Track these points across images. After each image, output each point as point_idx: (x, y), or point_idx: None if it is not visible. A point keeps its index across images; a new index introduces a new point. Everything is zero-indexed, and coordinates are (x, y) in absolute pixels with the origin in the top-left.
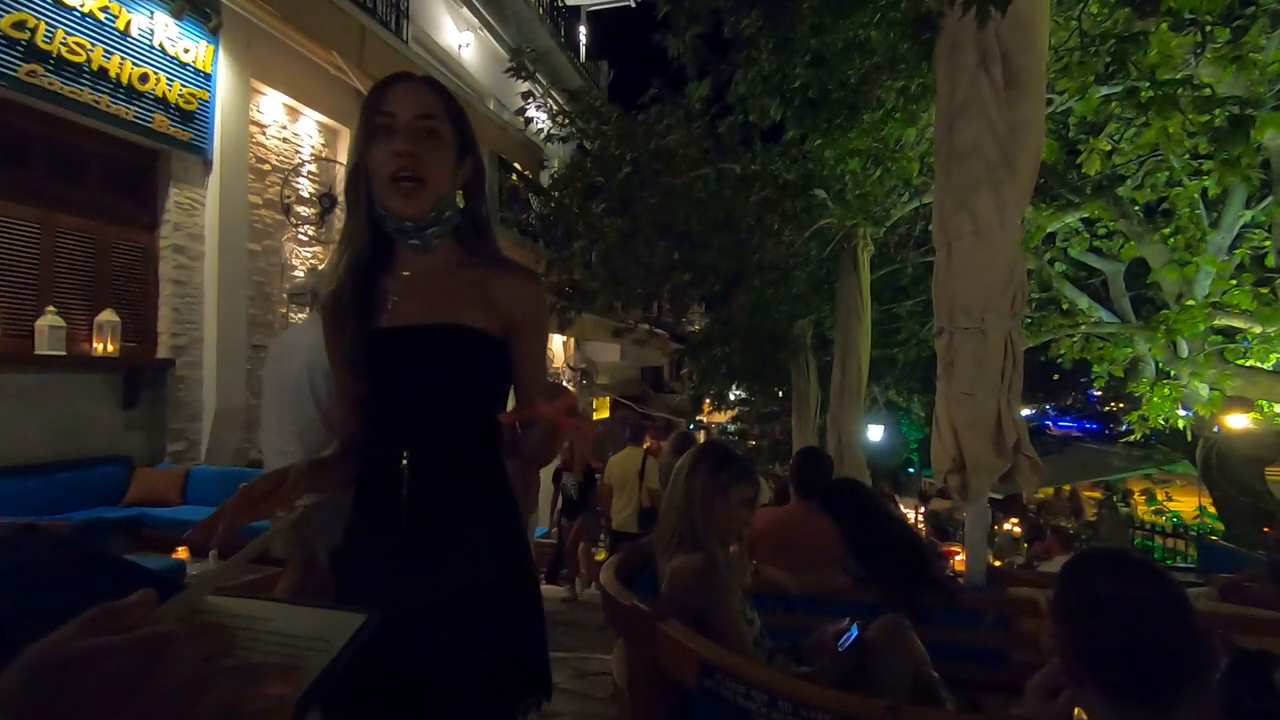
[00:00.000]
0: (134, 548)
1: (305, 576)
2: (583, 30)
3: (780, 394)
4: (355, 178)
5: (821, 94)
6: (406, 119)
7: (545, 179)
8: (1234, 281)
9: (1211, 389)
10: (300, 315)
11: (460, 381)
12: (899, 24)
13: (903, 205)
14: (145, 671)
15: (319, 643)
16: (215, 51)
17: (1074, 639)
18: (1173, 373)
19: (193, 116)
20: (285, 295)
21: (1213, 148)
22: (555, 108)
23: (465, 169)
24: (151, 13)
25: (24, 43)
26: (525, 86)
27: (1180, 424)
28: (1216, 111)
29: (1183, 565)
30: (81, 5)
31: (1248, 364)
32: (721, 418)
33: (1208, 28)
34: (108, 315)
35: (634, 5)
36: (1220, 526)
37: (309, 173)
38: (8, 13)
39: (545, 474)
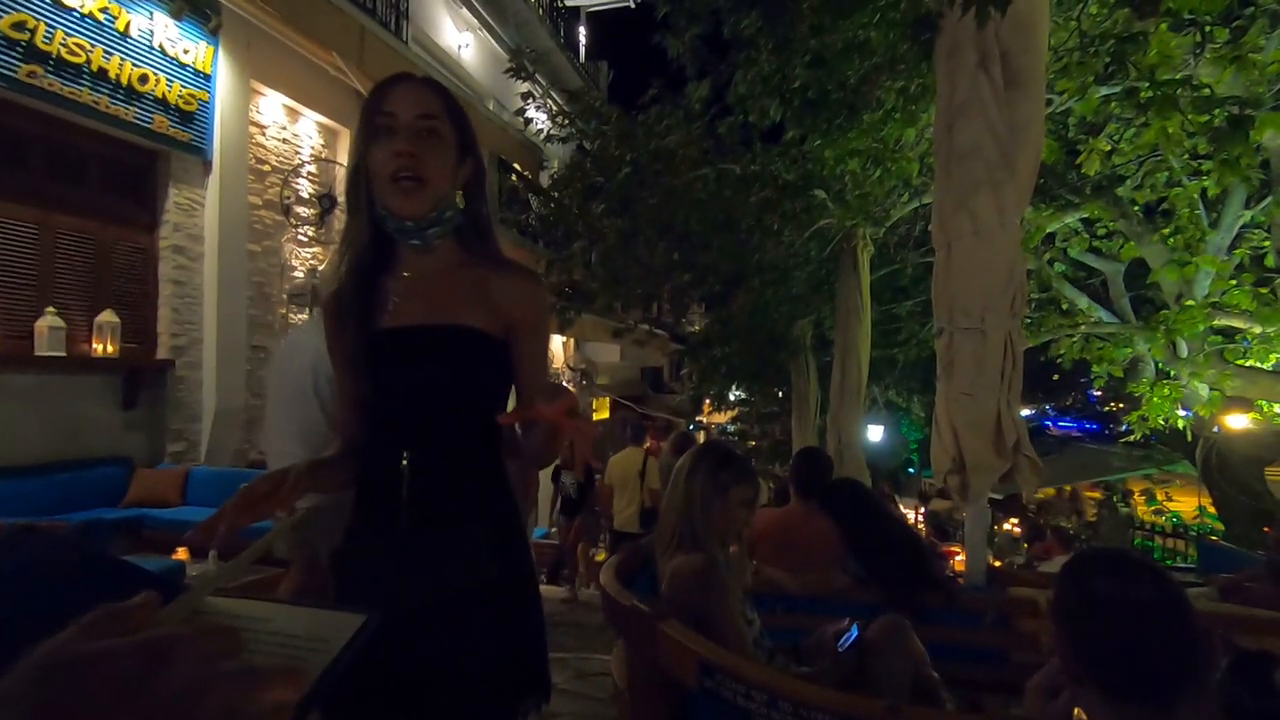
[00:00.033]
0: (134, 548)
1: (307, 577)
2: (582, 31)
3: (780, 394)
4: (356, 178)
5: (821, 94)
6: (407, 119)
7: (545, 179)
8: (1233, 281)
9: (1211, 389)
10: (300, 316)
11: (461, 382)
12: (899, 24)
13: (902, 205)
14: (150, 674)
15: (319, 643)
16: (215, 52)
17: (1074, 639)
18: (1172, 373)
19: (192, 117)
20: (285, 296)
21: (1212, 148)
22: (555, 108)
23: (466, 169)
24: (151, 13)
25: (24, 43)
26: (525, 87)
27: (1180, 424)
28: (1216, 112)
29: (1183, 565)
30: (81, 6)
31: (1247, 364)
32: (721, 418)
33: (1207, 28)
34: (107, 316)
35: (634, 6)
36: (1220, 526)
37: (309, 173)
38: (7, 13)
39: (545, 473)
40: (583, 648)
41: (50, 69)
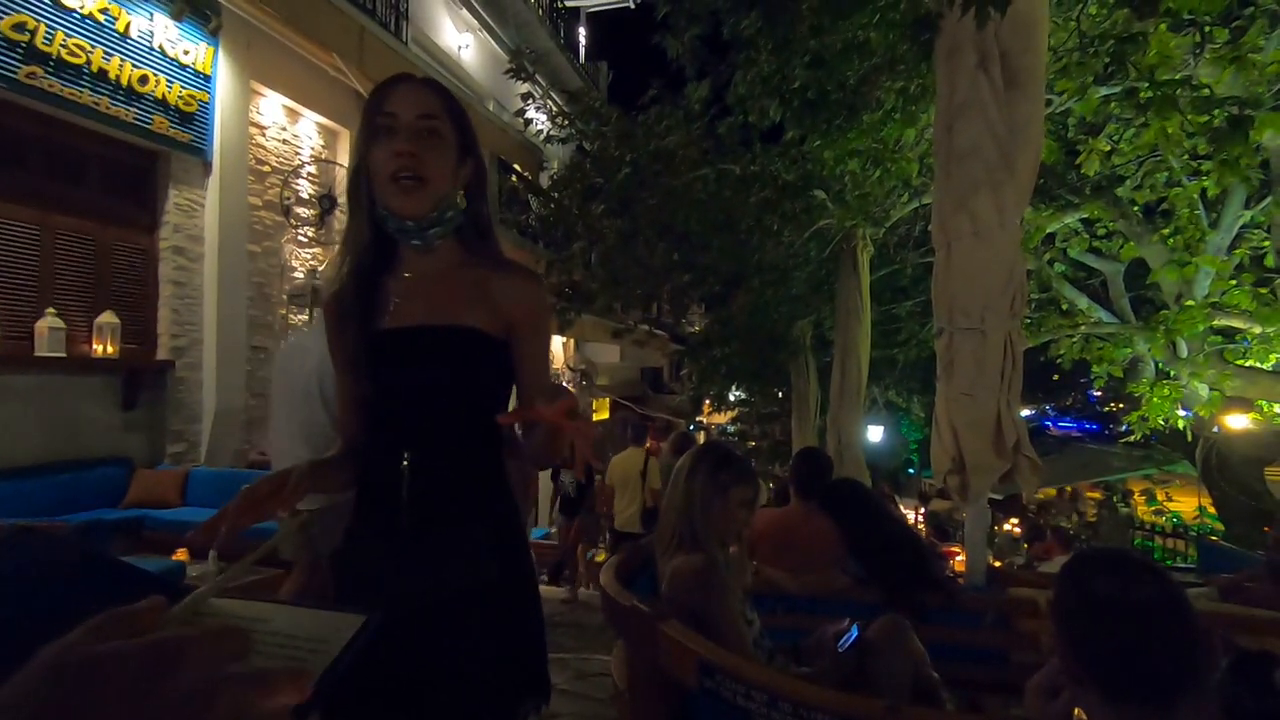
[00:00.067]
0: (134, 549)
1: (310, 578)
2: (582, 31)
3: (780, 395)
4: (357, 179)
5: (821, 95)
6: (408, 119)
7: (545, 180)
8: (1233, 282)
9: (1211, 389)
10: (300, 316)
11: (461, 382)
12: (898, 25)
13: (902, 206)
14: (159, 676)
15: (319, 644)
16: (215, 53)
17: (1074, 639)
18: (1172, 373)
19: (192, 118)
20: (285, 296)
21: (1212, 148)
22: (555, 109)
23: (467, 169)
24: (151, 14)
25: (24, 45)
26: (525, 88)
27: (1180, 424)
28: (1215, 112)
29: (1183, 565)
30: (81, 7)
31: (1247, 364)
32: (721, 418)
33: (1206, 28)
34: (107, 317)
35: (633, 6)
36: (1220, 526)
37: (309, 174)
38: (7, 14)
39: (544, 473)
40: (583, 648)
41: (50, 70)
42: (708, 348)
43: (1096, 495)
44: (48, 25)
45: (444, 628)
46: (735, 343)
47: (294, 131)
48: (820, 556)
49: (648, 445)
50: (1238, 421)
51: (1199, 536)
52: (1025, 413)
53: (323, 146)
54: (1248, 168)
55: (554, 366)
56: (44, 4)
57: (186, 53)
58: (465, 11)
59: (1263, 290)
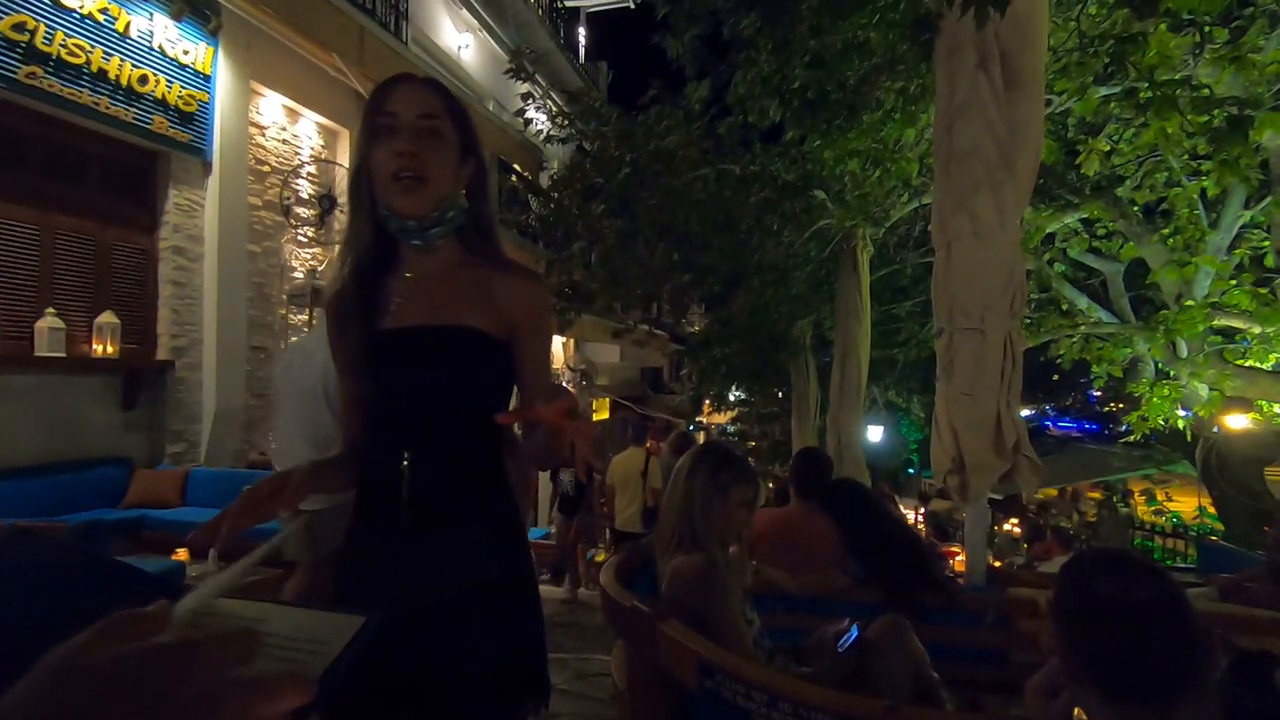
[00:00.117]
0: (134, 549)
1: (313, 578)
2: (582, 31)
3: (780, 395)
4: (358, 179)
5: (821, 95)
6: (409, 119)
7: (545, 180)
8: (1233, 282)
9: (1211, 389)
10: (300, 316)
11: (462, 383)
12: (898, 25)
13: (902, 206)
14: (168, 681)
15: (318, 646)
16: (215, 53)
17: (1074, 639)
18: (1172, 373)
19: (192, 118)
20: (285, 296)
21: (1211, 148)
22: (555, 109)
23: (468, 169)
24: (151, 14)
25: (24, 45)
26: (525, 88)
27: (1180, 424)
28: (1215, 112)
29: (1183, 565)
30: (81, 7)
31: (1247, 364)
32: (721, 418)
33: (1206, 28)
34: (107, 317)
35: (633, 6)
36: (1220, 526)
37: (308, 174)
38: (7, 14)
39: (544, 472)
40: (583, 648)
41: (50, 70)
42: (708, 348)
43: (1097, 495)
44: (47, 25)
45: (444, 628)
46: (735, 343)
47: (294, 131)
48: (820, 556)
49: (648, 445)
50: (1238, 421)
51: (1199, 536)
52: (1025, 413)
53: (323, 146)
54: (1247, 168)
55: (554, 366)
56: (44, 4)
57: (186, 53)
58: (465, 11)
59: (1262, 290)
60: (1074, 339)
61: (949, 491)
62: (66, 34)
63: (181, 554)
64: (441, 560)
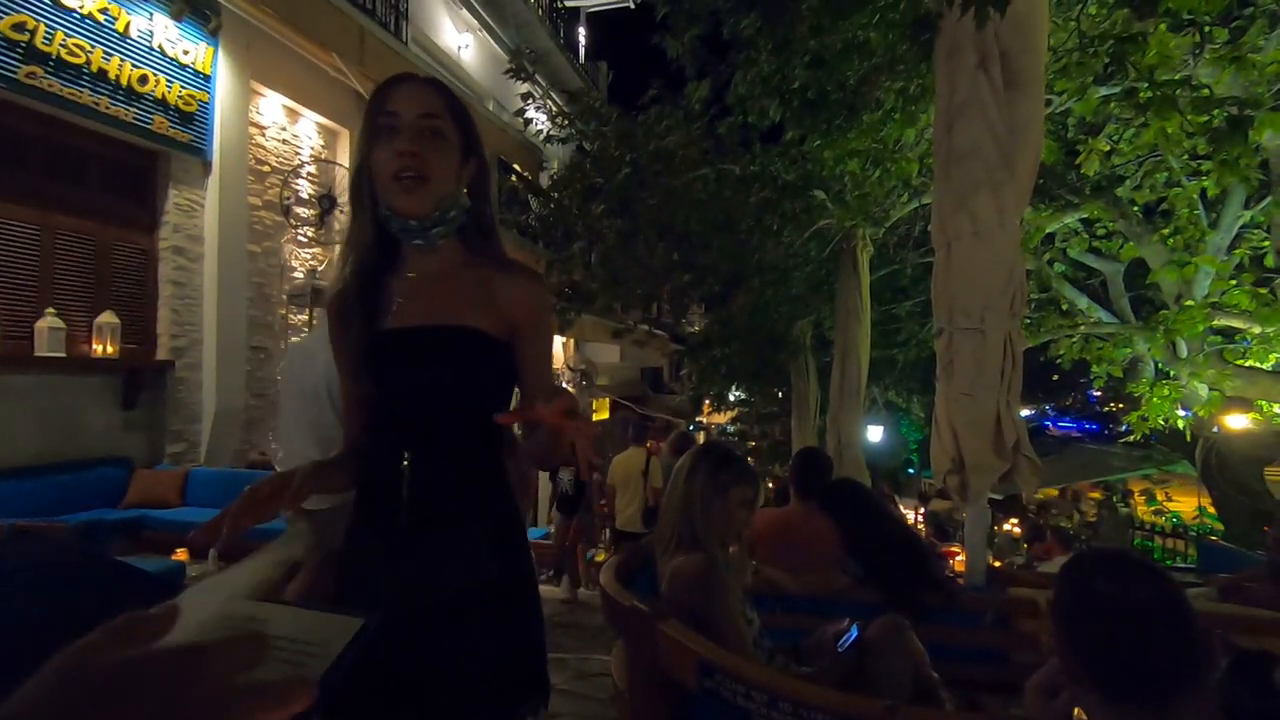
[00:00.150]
0: (134, 549)
1: (318, 578)
2: (582, 31)
3: (780, 395)
4: (359, 179)
5: (821, 95)
6: (410, 119)
7: (545, 180)
8: (1233, 282)
9: (1211, 389)
10: (300, 316)
11: (462, 383)
12: (898, 25)
13: (902, 206)
14: (179, 685)
15: (318, 647)
16: (215, 53)
17: (1073, 639)
18: (1172, 373)
19: (192, 118)
20: (285, 296)
21: (1211, 148)
22: (554, 109)
23: (469, 169)
24: (151, 14)
25: (23, 44)
26: (525, 88)
27: (1180, 424)
28: (1215, 112)
29: (1183, 565)
30: (81, 7)
31: (1247, 364)
32: (721, 418)
33: (1206, 28)
34: (107, 317)
35: (633, 6)
36: (1220, 526)
37: (308, 174)
38: (7, 14)
39: (544, 472)
40: (583, 648)
41: (50, 70)
42: (708, 348)
43: (1097, 495)
44: (47, 25)
45: (444, 628)
46: (735, 343)
47: (294, 131)
48: (820, 556)
49: (648, 445)
50: (1237, 421)
51: (1199, 536)
52: (1025, 413)
53: (323, 146)
54: (1247, 168)
55: (554, 367)
56: (44, 4)
57: (186, 53)
58: (465, 11)
59: (1262, 290)
60: (1074, 339)
61: (949, 491)
62: (66, 34)
63: (181, 554)
64: (441, 560)
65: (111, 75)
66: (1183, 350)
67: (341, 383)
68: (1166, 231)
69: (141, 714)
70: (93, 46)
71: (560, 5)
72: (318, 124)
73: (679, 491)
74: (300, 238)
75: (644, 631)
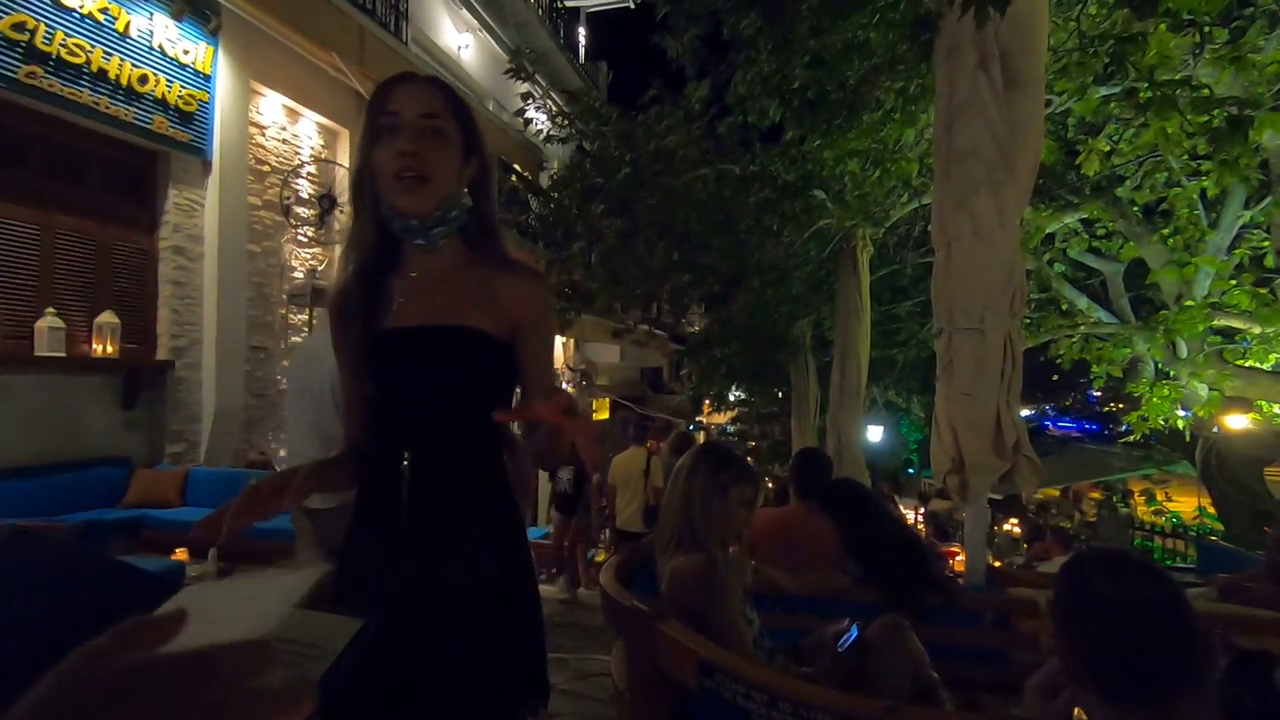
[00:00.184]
0: (133, 549)
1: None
2: (582, 31)
3: (780, 395)
4: (361, 179)
5: (821, 95)
6: (411, 118)
7: (545, 180)
8: (1233, 282)
9: (1210, 389)
10: (300, 316)
11: (463, 383)
12: (898, 25)
13: (902, 206)
14: (187, 691)
15: (317, 649)
16: (215, 53)
17: (1073, 639)
18: (1172, 373)
19: (192, 118)
20: (285, 296)
21: (1211, 148)
22: (554, 109)
23: (471, 168)
24: (151, 14)
25: (23, 44)
26: (524, 88)
27: (1179, 424)
28: (1215, 112)
29: (1182, 565)
30: (81, 6)
31: (1247, 364)
32: (721, 418)
33: (1206, 28)
34: (107, 317)
35: (633, 6)
36: (1219, 527)
37: (308, 174)
38: (7, 14)
39: (545, 470)
40: (583, 648)
41: (50, 69)
42: (708, 348)
43: (1097, 495)
44: (47, 25)
45: (443, 628)
46: (735, 343)
47: (294, 131)
48: (820, 556)
49: (648, 445)
50: (1237, 421)
51: (1198, 536)
52: (1025, 413)
53: (322, 146)
54: (1247, 168)
55: (554, 367)
56: (44, 3)
57: (186, 52)
58: (465, 11)
59: (1262, 290)
60: (1074, 339)
61: (949, 491)
62: (66, 33)
63: (181, 554)
64: (441, 560)
65: (111, 75)
66: (1183, 350)
67: (342, 382)
68: (1166, 231)
69: (148, 718)
70: (93, 46)
71: (560, 5)
72: (318, 124)
73: (679, 491)
74: (300, 237)
75: (644, 631)
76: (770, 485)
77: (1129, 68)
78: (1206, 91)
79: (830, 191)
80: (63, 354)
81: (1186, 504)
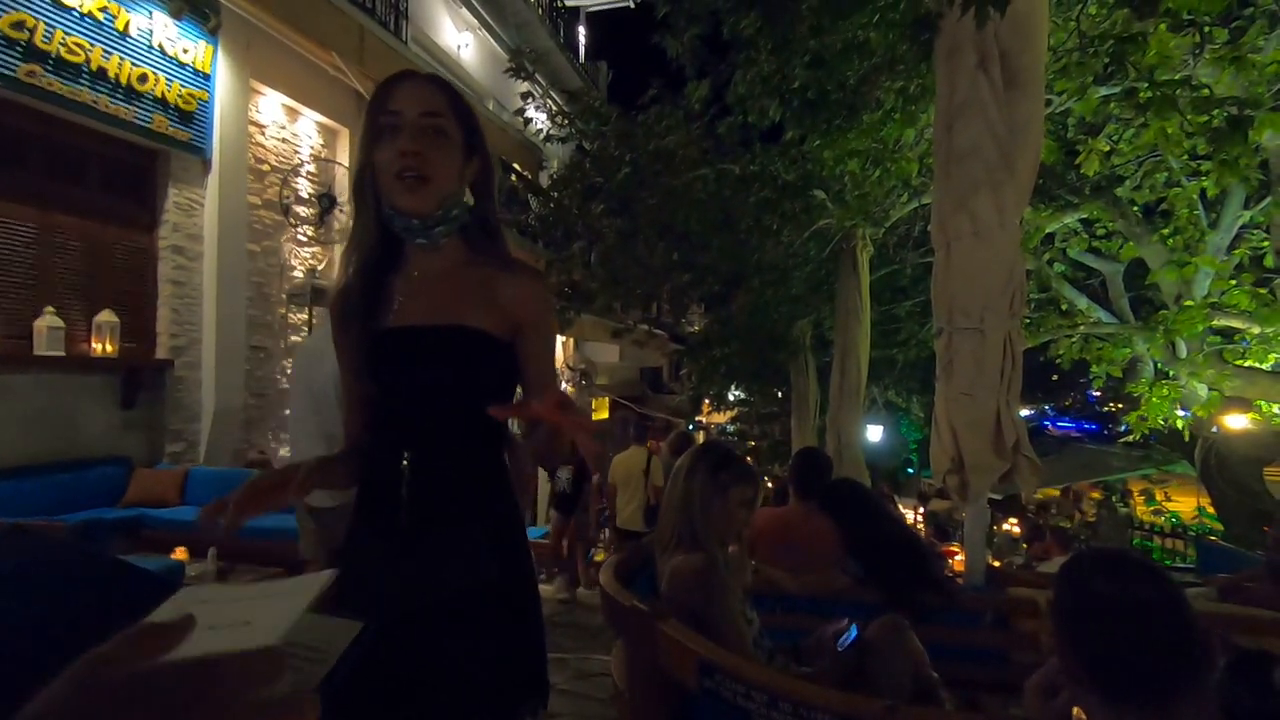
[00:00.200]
0: (133, 548)
1: None
2: (582, 31)
3: (780, 394)
4: (362, 178)
5: (820, 95)
6: (412, 117)
7: (544, 180)
8: (1233, 282)
9: (1210, 389)
10: (299, 315)
11: (463, 382)
12: (898, 25)
13: (902, 206)
14: (194, 699)
15: (315, 652)
16: (214, 52)
17: (1073, 639)
18: (1171, 373)
19: (192, 117)
20: (284, 296)
21: (1211, 148)
22: (554, 108)
23: (472, 168)
24: (150, 13)
25: (23, 43)
26: (524, 87)
27: (1179, 424)
28: (1215, 112)
29: (1182, 565)
30: (80, 5)
31: (1246, 364)
32: (721, 418)
33: (1206, 28)
34: (106, 316)
35: (633, 6)
36: (1219, 526)
37: (308, 173)
38: (7, 13)
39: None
40: (582, 648)
41: (49, 68)
42: (707, 348)
43: (1097, 495)
44: (47, 23)
45: (443, 628)
46: (735, 343)
47: (293, 130)
48: (820, 556)
49: (648, 444)
50: (1237, 421)
51: (1198, 536)
52: (1025, 413)
53: (322, 145)
54: (1247, 168)
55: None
56: (43, 2)
57: (186, 51)
58: (465, 11)
59: (1262, 290)
60: (1074, 339)
61: (949, 491)
62: (66, 32)
63: (181, 553)
64: (441, 560)
65: (111, 74)
66: (1182, 350)
67: (343, 380)
68: (1166, 231)
69: None
70: (92, 45)
71: (560, 5)
72: (317, 123)
73: (678, 491)
74: (300, 237)
75: (644, 631)
76: (770, 485)
77: (1129, 68)
78: (1206, 91)
79: (830, 191)
80: (62, 353)
81: (1186, 504)
